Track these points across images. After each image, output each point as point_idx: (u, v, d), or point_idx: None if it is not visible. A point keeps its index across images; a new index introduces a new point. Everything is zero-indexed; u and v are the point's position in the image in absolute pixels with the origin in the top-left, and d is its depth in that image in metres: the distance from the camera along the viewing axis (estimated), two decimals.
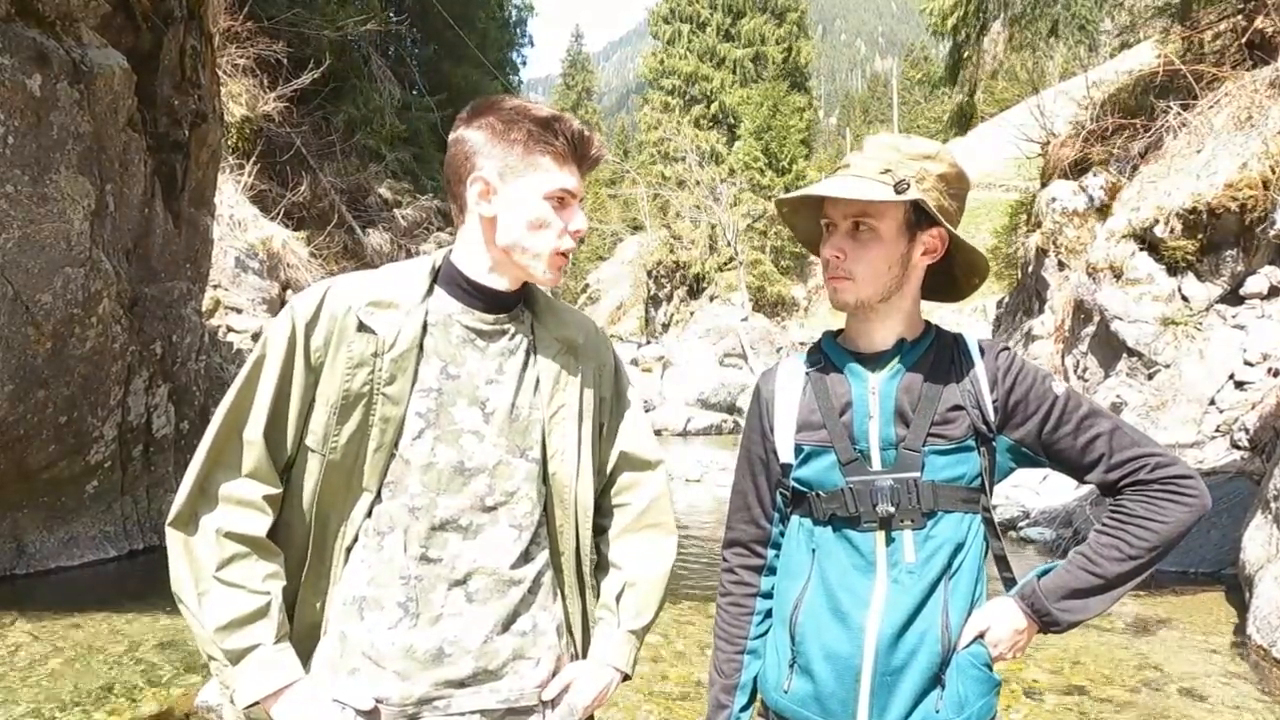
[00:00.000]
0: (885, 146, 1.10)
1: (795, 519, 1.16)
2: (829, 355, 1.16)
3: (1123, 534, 1.05)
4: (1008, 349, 1.14)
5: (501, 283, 1.10)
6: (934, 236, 1.12)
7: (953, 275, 1.18)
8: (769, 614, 1.19)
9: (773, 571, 1.20)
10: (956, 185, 1.12)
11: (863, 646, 1.05)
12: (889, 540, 1.07)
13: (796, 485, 1.14)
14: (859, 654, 1.05)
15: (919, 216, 1.10)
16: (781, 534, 1.19)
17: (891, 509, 1.05)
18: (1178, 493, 1.05)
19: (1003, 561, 1.13)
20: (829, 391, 1.12)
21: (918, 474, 1.06)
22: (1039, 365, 1.20)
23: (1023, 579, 1.11)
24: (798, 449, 1.13)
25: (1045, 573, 1.09)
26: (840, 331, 1.20)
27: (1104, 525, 1.08)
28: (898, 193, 1.06)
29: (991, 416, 1.09)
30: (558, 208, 1.07)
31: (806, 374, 1.16)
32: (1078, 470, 1.10)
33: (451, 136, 1.10)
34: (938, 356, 1.11)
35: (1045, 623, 1.07)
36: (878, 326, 1.12)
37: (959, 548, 1.07)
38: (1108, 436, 1.07)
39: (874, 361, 1.12)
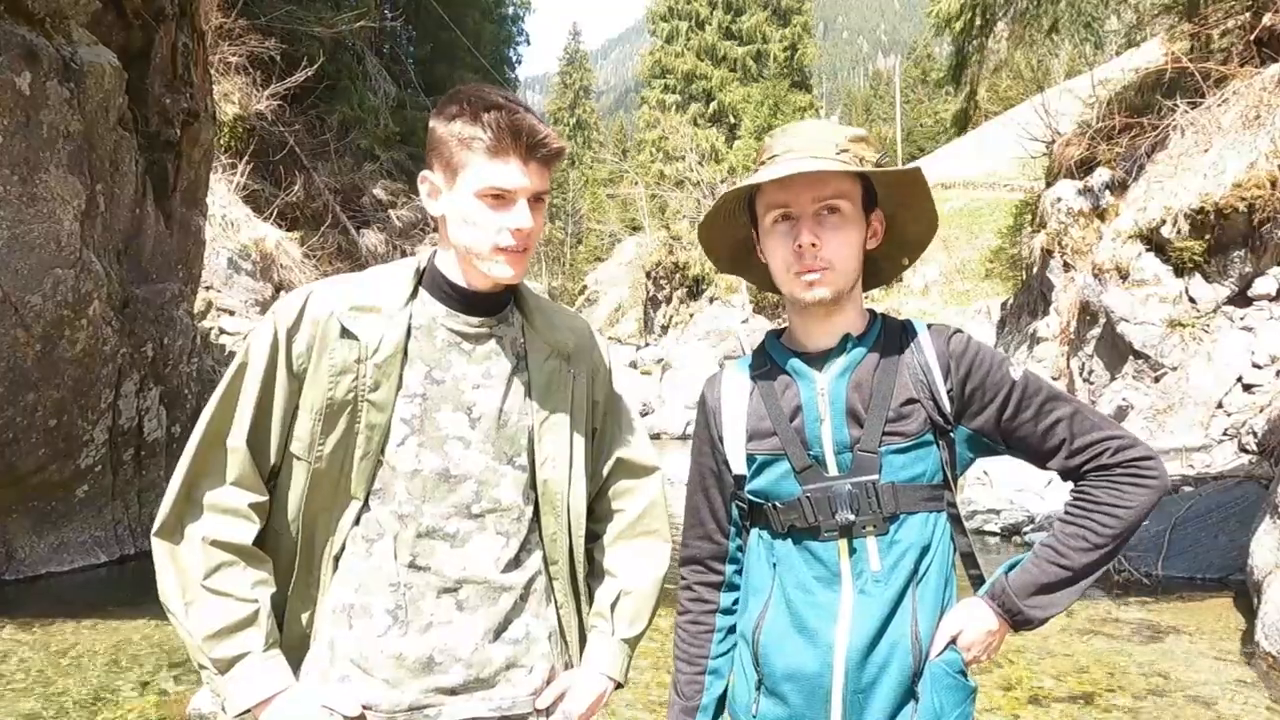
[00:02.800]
0: (826, 130, 1.07)
1: (754, 533, 1.12)
2: (773, 357, 1.11)
3: (1088, 522, 1.02)
4: (960, 332, 1.09)
5: (476, 283, 1.07)
6: (877, 220, 1.10)
7: (872, 260, 1.14)
8: (731, 631, 1.15)
9: (733, 588, 1.16)
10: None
11: (831, 664, 1.01)
12: (852, 549, 1.03)
13: (752, 497, 1.09)
14: (828, 672, 1.01)
15: (868, 200, 1.08)
16: (740, 549, 1.15)
17: (851, 516, 1.02)
18: (1139, 475, 1.02)
19: (970, 559, 1.09)
20: (777, 396, 1.08)
21: (876, 476, 1.02)
22: (996, 349, 1.16)
23: (991, 577, 1.07)
24: (750, 459, 1.08)
25: (1013, 567, 1.05)
26: (784, 330, 1.14)
27: (1069, 514, 1.04)
28: (878, 167, 1.04)
29: (947, 407, 1.04)
30: (494, 205, 1.02)
31: (753, 379, 1.11)
32: (1038, 457, 1.06)
33: None
34: (886, 348, 1.07)
35: (1017, 622, 1.03)
36: (832, 323, 1.08)
37: (925, 550, 1.03)
38: (1068, 421, 1.04)
39: (820, 360, 1.08)
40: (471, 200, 1.02)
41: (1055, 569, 1.02)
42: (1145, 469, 1.02)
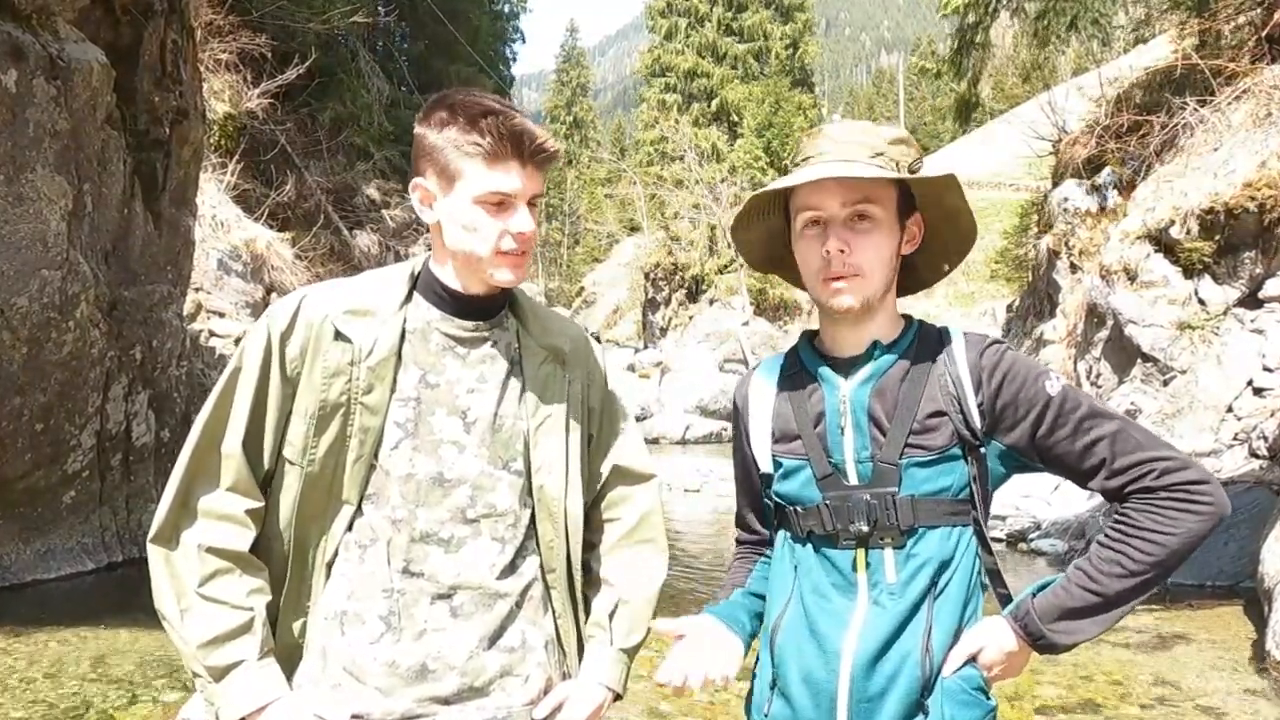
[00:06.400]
0: (864, 132, 1.05)
1: (780, 533, 1.12)
2: (803, 360, 1.11)
3: (1126, 548, 0.97)
4: (998, 343, 1.07)
5: (472, 287, 1.07)
6: (915, 224, 1.08)
7: (912, 265, 1.12)
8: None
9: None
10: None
11: (838, 671, 1.00)
12: (868, 559, 1.02)
13: (778, 499, 1.10)
14: (834, 679, 1.00)
15: (904, 204, 1.06)
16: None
17: (866, 527, 1.00)
18: (1189, 500, 0.95)
19: (996, 576, 1.06)
20: (803, 400, 1.08)
21: (895, 489, 1.00)
22: (1034, 360, 1.13)
23: (1017, 596, 1.04)
24: (775, 462, 1.09)
25: (1042, 588, 1.02)
26: (817, 333, 1.13)
27: (1106, 537, 0.99)
28: (911, 173, 1.02)
29: (977, 422, 1.02)
30: (493, 211, 1.02)
31: (781, 380, 1.12)
32: (1077, 476, 1.02)
33: None
34: (917, 357, 1.05)
35: (1040, 646, 1.00)
36: (863, 329, 1.06)
37: (944, 565, 1.01)
38: (1110, 440, 0.98)
39: (847, 367, 1.06)
40: (471, 207, 1.02)
41: (1085, 594, 0.97)
42: (1196, 493, 0.95)
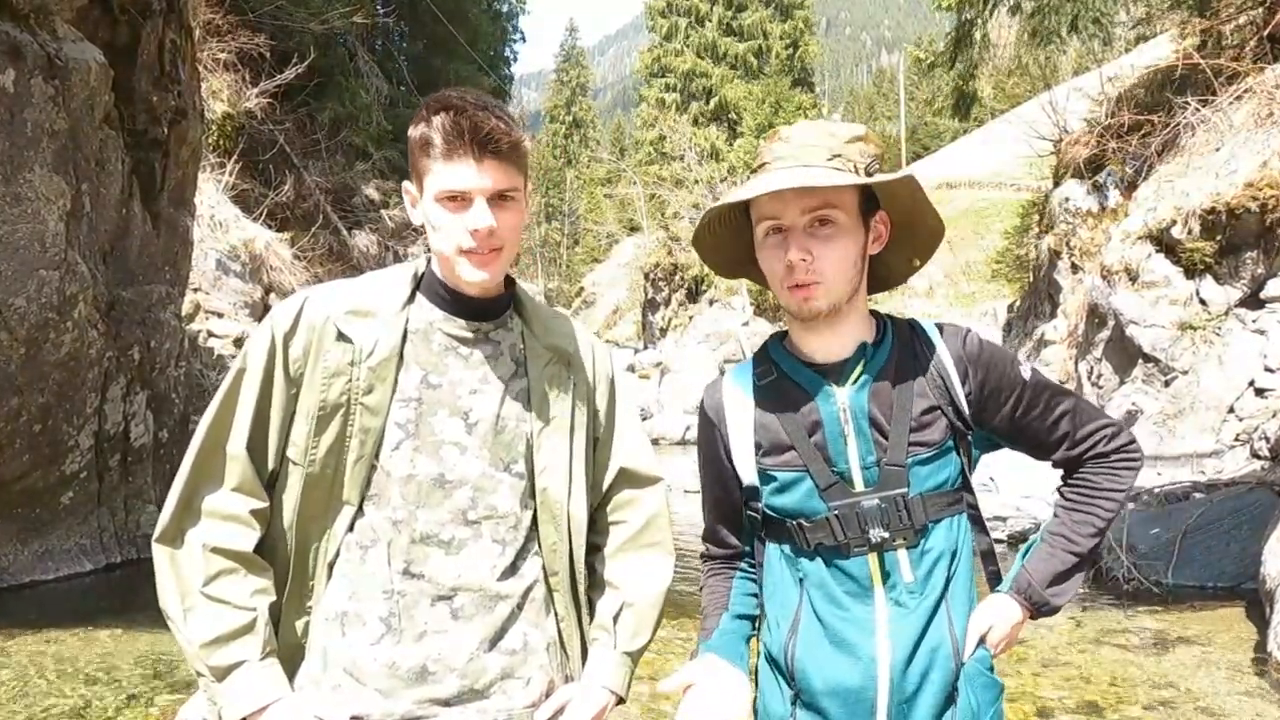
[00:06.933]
0: (821, 134, 1.04)
1: (772, 547, 1.10)
2: (781, 366, 1.08)
3: (1093, 508, 1.06)
4: (971, 332, 1.10)
5: (463, 287, 1.06)
6: (880, 222, 1.07)
7: (883, 262, 1.13)
8: (755, 594, 1.15)
9: (750, 578, 1.16)
10: (889, 167, 1.08)
11: (876, 677, 1.00)
12: (883, 563, 1.02)
13: (770, 513, 1.08)
14: (872, 685, 1.00)
15: (867, 204, 1.05)
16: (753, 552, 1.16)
17: (885, 533, 1.01)
18: (1130, 459, 1.07)
19: (988, 556, 1.11)
20: (793, 410, 1.05)
21: (905, 489, 1.01)
22: (1004, 346, 1.18)
23: (1012, 571, 1.09)
24: (765, 475, 1.07)
25: (1025, 556, 1.09)
26: (785, 334, 1.12)
27: (1072, 501, 1.08)
28: (868, 175, 1.01)
29: (966, 412, 1.05)
30: (453, 207, 1.02)
31: (757, 388, 1.09)
32: (1042, 450, 1.09)
33: None
34: (901, 355, 1.06)
35: (1043, 612, 1.07)
36: (839, 332, 1.05)
37: (954, 555, 1.04)
38: (1071, 415, 1.07)
39: (837, 373, 1.05)
40: (434, 205, 1.02)
41: (1069, 556, 1.06)
42: (1134, 452, 1.08)
